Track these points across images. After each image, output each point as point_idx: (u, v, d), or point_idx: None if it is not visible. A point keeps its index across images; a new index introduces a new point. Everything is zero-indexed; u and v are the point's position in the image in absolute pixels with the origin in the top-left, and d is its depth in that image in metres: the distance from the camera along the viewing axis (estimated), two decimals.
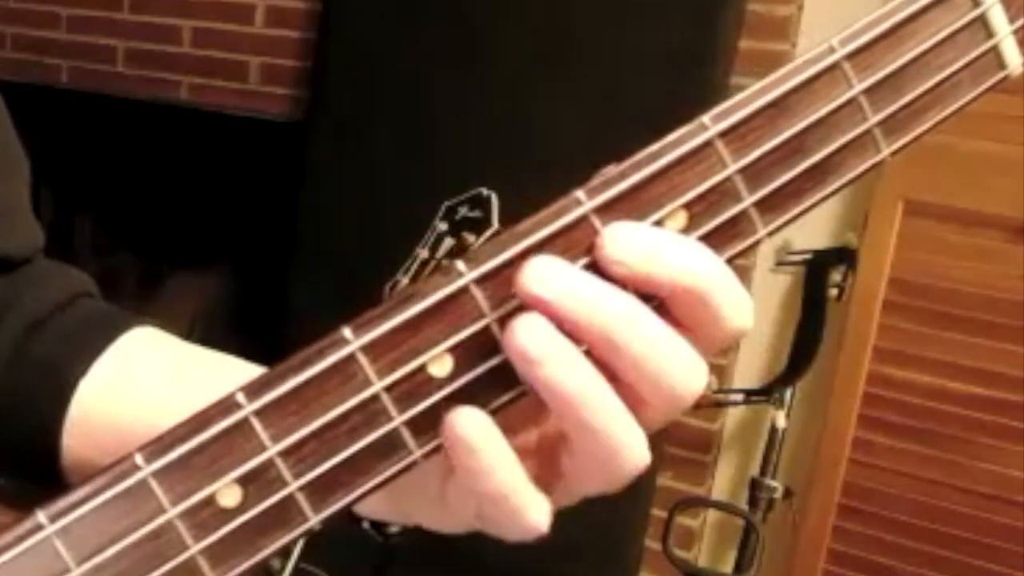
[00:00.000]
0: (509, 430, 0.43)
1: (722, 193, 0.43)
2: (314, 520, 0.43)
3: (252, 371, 0.54)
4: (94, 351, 0.63)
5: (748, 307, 0.43)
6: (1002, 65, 0.45)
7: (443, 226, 1.69)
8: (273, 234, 3.12)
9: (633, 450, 0.43)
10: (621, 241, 0.42)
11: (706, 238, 0.43)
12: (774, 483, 2.53)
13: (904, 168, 2.42)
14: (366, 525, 0.53)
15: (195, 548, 0.42)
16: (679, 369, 0.42)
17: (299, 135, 3.05)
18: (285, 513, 0.42)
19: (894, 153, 0.45)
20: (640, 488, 2.69)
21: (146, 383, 0.62)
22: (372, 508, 0.52)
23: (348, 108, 2.93)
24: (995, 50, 0.45)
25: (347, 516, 0.46)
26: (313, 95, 3.08)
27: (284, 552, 1.85)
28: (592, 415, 0.42)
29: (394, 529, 0.56)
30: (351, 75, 2.94)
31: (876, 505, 2.53)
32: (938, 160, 2.40)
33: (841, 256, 2.52)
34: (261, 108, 3.23)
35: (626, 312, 0.42)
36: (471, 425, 0.42)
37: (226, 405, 0.42)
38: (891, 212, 2.46)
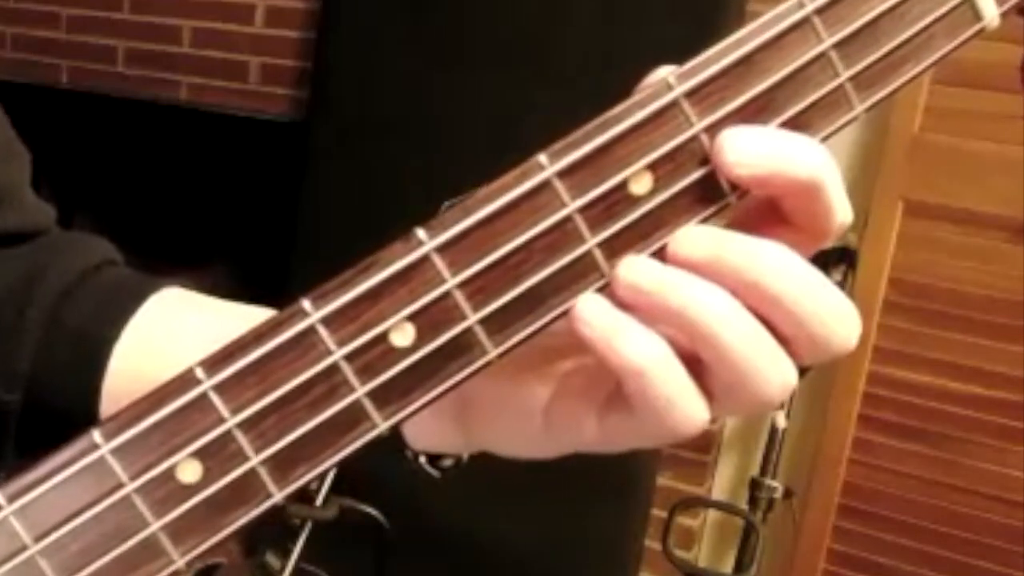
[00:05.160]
0: None
1: (690, 153, 0.42)
2: (278, 495, 0.42)
3: None
4: (125, 316, 0.63)
5: (847, 200, 0.44)
6: (978, 17, 0.44)
7: None
8: (273, 234, 3.12)
9: (776, 370, 0.43)
10: (740, 145, 0.42)
11: (673, 200, 0.43)
12: (774, 483, 2.52)
13: (904, 168, 2.42)
14: (423, 460, 0.53)
15: (156, 525, 0.41)
16: (840, 323, 0.43)
17: (299, 135, 3.05)
18: (247, 488, 0.42)
19: (868, 109, 0.44)
20: (640, 488, 2.69)
21: (181, 341, 0.61)
22: (434, 438, 0.53)
23: (348, 108, 2.93)
24: (970, 2, 0.44)
25: (399, 449, 0.45)
26: (313, 95, 3.08)
27: (284, 551, 1.83)
28: (724, 340, 0.42)
29: (448, 462, 0.56)
30: (351, 75, 2.93)
31: (876, 505, 2.52)
32: (938, 160, 2.40)
33: (841, 256, 2.51)
34: (261, 108, 3.22)
35: (779, 264, 0.42)
36: (648, 353, 0.42)
37: (184, 380, 0.41)
38: (891, 212, 2.45)
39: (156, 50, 3.36)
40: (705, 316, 0.42)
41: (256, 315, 0.62)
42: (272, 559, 2.19)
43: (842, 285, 2.48)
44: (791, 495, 2.54)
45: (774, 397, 0.43)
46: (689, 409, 0.43)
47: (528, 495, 2.38)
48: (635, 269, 0.42)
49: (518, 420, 0.49)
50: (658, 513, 2.70)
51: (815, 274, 0.42)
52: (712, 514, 2.82)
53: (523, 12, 2.70)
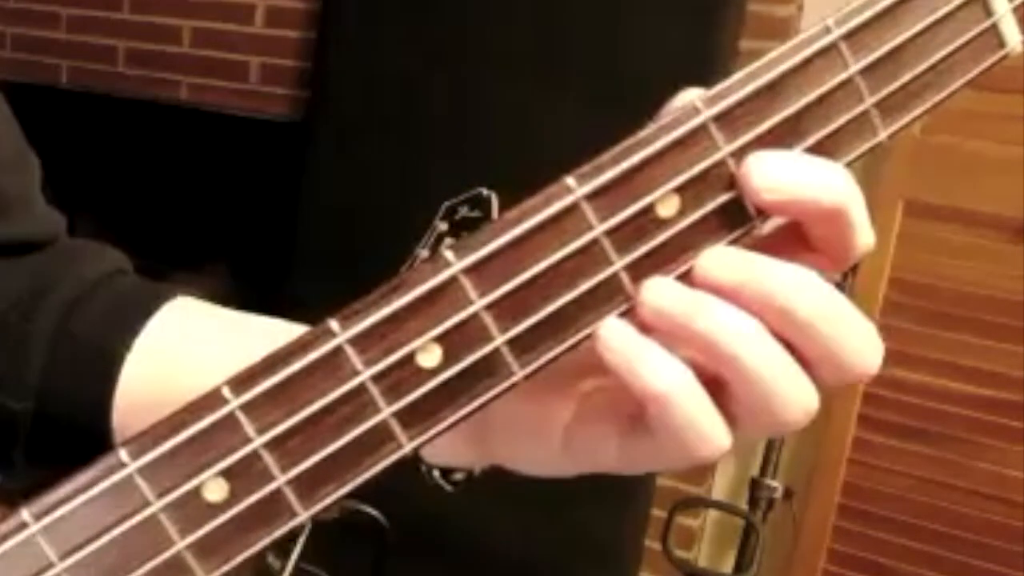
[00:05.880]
0: None
1: (716, 177, 0.43)
2: (303, 515, 0.42)
3: (298, 331, 0.54)
4: (135, 327, 0.63)
5: (870, 226, 0.44)
6: (1001, 43, 0.44)
7: (443, 226, 1.68)
8: (273, 234, 3.12)
9: (799, 394, 0.43)
10: (767, 171, 0.42)
11: (700, 223, 0.43)
12: (774, 483, 2.53)
13: (904, 168, 2.42)
14: (436, 474, 0.53)
15: (181, 544, 0.41)
16: (866, 347, 0.43)
17: (299, 135, 3.05)
18: (273, 507, 0.42)
19: (892, 135, 0.44)
20: (640, 488, 2.69)
21: (193, 353, 0.62)
22: (450, 453, 0.53)
23: (348, 108, 2.93)
24: (994, 28, 0.44)
25: (411, 463, 0.45)
26: (313, 95, 3.08)
27: (284, 552, 1.83)
28: (748, 363, 0.42)
29: (458, 476, 0.57)
30: (351, 75, 2.93)
31: (876, 505, 2.53)
32: (938, 160, 2.40)
33: None
34: (261, 108, 3.22)
35: (805, 288, 0.42)
36: (671, 379, 0.42)
37: (211, 399, 0.41)
38: (891, 212, 2.45)
39: (156, 50, 3.36)
40: (729, 339, 0.42)
41: (268, 325, 0.62)
42: (272, 559, 2.19)
43: (842, 285, 2.47)
44: (791, 495, 2.54)
45: (797, 421, 0.43)
46: (711, 434, 0.43)
47: (528, 495, 2.38)
48: (659, 291, 0.42)
49: (536, 440, 0.49)
50: (658, 513, 2.70)
51: (841, 298, 0.43)
52: (712, 514, 2.82)
53: (523, 12, 2.70)
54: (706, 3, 2.54)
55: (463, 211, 1.70)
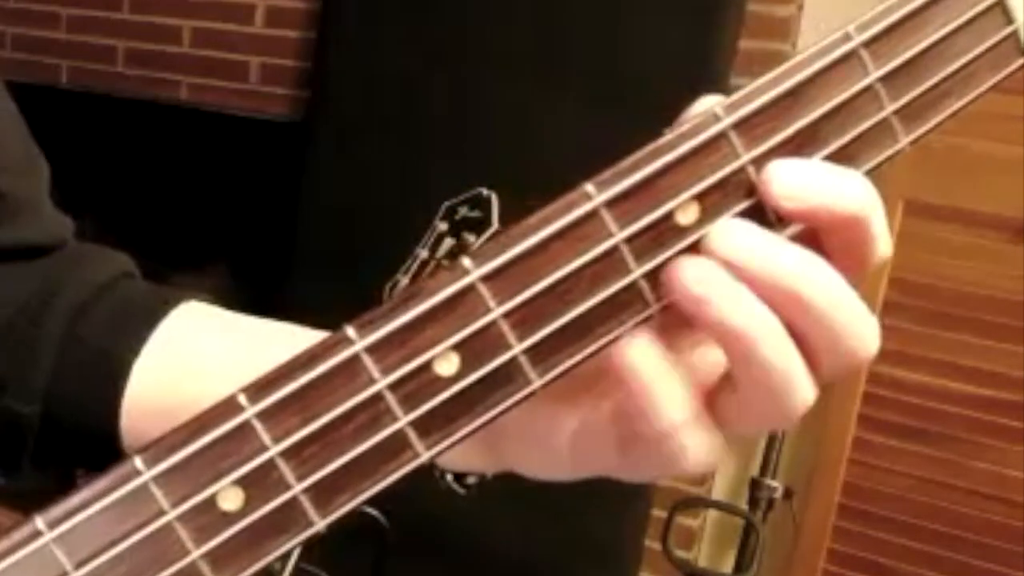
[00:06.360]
0: None
1: (736, 185, 0.42)
2: (320, 524, 0.42)
3: (306, 336, 0.55)
4: (142, 332, 0.63)
5: (888, 234, 0.44)
6: (1021, 51, 0.44)
7: (443, 226, 1.68)
8: (273, 234, 3.12)
9: (803, 386, 0.43)
10: (788, 179, 0.42)
11: None
12: (774, 483, 2.53)
13: (904, 168, 2.41)
14: (449, 478, 0.54)
15: (196, 552, 0.41)
16: (868, 335, 0.43)
17: (299, 135, 3.05)
18: (289, 516, 0.41)
19: (913, 142, 0.44)
20: (640, 488, 2.69)
21: (203, 358, 0.62)
22: (462, 459, 0.53)
23: (348, 108, 2.93)
24: (1014, 36, 0.44)
25: (427, 467, 0.45)
26: (313, 95, 3.08)
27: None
28: (767, 350, 0.42)
29: (471, 480, 0.57)
30: (351, 75, 2.94)
31: (876, 505, 2.53)
32: (938, 160, 2.40)
33: None
34: (261, 108, 3.22)
35: (820, 277, 0.42)
36: (643, 356, 0.42)
37: (227, 407, 0.41)
38: (891, 212, 2.41)
39: (156, 50, 3.36)
40: (751, 330, 0.42)
41: (278, 331, 0.62)
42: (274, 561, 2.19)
43: None
44: (791, 495, 2.55)
45: (797, 412, 0.43)
46: (708, 453, 0.44)
47: (528, 495, 2.38)
48: (690, 276, 0.42)
49: (545, 447, 0.49)
50: (658, 513, 2.70)
51: (845, 284, 0.42)
52: (712, 514, 2.82)
53: (523, 12, 2.70)
54: (706, 3, 2.54)
55: (463, 211, 1.70)
